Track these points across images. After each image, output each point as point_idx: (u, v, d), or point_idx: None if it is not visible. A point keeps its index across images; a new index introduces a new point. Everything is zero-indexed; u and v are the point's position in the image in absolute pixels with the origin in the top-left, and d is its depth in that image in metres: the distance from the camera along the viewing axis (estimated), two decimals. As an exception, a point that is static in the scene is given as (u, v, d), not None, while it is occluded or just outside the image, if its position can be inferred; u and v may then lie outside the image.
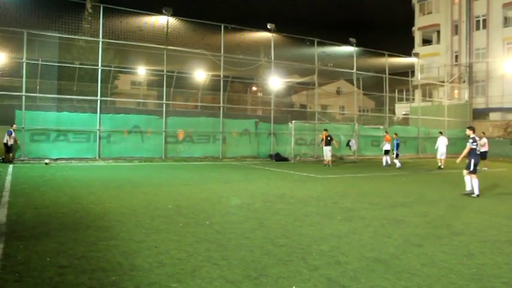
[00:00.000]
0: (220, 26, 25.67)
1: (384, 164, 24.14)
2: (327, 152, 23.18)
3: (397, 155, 23.69)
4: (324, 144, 23.39)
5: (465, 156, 12.75)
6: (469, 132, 12.93)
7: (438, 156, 23.20)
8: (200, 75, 36.71)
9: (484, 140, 22.17)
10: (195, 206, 9.72)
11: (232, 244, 6.56)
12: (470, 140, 12.56)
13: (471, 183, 12.58)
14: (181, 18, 24.95)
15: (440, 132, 24.53)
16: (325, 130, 23.92)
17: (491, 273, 5.54)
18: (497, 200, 12.29)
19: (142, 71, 38.39)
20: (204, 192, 12.04)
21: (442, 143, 23.15)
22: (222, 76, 27.07)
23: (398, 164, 23.20)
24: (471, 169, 12.51)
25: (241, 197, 11.44)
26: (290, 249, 6.37)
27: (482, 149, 21.80)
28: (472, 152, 12.54)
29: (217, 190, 12.65)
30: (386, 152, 24.49)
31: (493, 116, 42.78)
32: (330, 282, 5.04)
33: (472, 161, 12.49)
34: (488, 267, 5.79)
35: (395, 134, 24.94)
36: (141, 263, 5.54)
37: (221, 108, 26.61)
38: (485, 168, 21.84)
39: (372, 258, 6.00)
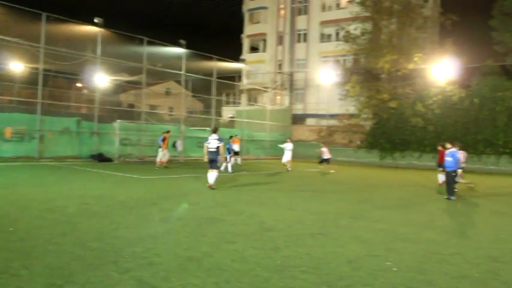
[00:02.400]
0: (42, 14, 23.64)
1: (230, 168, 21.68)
2: (166, 153, 22.93)
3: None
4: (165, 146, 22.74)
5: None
6: (213, 135, 14.42)
7: (283, 160, 24.68)
8: (16, 66, 33.28)
9: (324, 149, 25.00)
10: (-1, 211, 8.78)
11: (38, 251, 6.06)
12: (208, 141, 14.26)
13: (214, 176, 14.15)
14: (-7, 1, 22.36)
15: (290, 138, 26.30)
16: (168, 132, 23.42)
17: (292, 263, 6.04)
18: (308, 197, 13.48)
19: None
20: (12, 196, 10.94)
21: (288, 148, 24.72)
22: (41, 69, 24.91)
23: (229, 168, 21.75)
24: (212, 165, 14.15)
25: (55, 200, 10.66)
26: (102, 253, 6.13)
27: (326, 156, 24.85)
28: (208, 151, 14.18)
29: (28, 193, 11.56)
30: (236, 154, 24.32)
31: (309, 121, 47.12)
32: (141, 283, 4.98)
33: (209, 158, 14.16)
34: (291, 258, 6.29)
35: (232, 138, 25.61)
36: None
37: (39, 104, 24.47)
38: (332, 171, 24.57)
39: (186, 257, 6.09)
